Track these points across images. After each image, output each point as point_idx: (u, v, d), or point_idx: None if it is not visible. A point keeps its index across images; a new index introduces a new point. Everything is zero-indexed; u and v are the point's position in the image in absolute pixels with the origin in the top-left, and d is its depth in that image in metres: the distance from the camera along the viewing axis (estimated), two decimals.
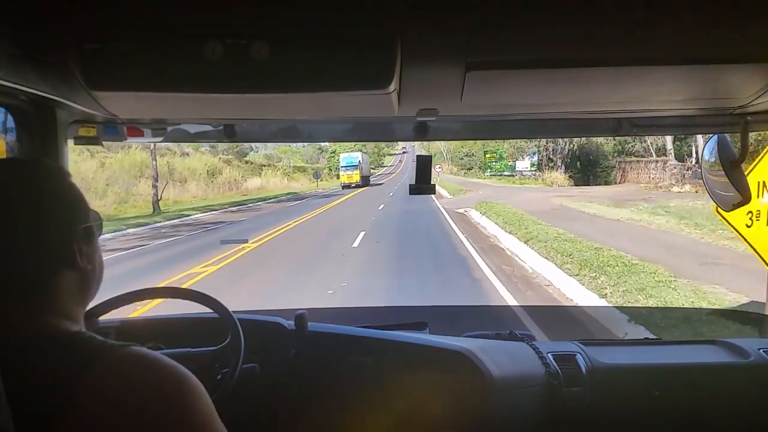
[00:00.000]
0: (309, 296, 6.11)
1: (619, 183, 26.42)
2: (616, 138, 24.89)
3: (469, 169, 49.18)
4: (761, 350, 1.40)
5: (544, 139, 26.99)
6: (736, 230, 2.45)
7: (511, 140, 30.10)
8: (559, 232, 9.61)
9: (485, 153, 39.06)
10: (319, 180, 42.49)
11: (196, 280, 7.14)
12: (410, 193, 1.27)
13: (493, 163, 38.33)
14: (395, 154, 77.34)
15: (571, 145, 30.73)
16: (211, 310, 1.20)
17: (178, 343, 1.19)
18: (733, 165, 1.12)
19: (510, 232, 10.27)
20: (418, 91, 0.95)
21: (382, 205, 18.83)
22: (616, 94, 1.04)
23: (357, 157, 34.18)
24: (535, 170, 34.53)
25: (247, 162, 42.97)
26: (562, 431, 1.35)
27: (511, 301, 5.74)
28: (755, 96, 1.01)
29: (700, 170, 1.71)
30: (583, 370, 1.36)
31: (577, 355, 1.40)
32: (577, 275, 6.63)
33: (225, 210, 21.37)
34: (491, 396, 1.27)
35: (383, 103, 0.91)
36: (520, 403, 1.33)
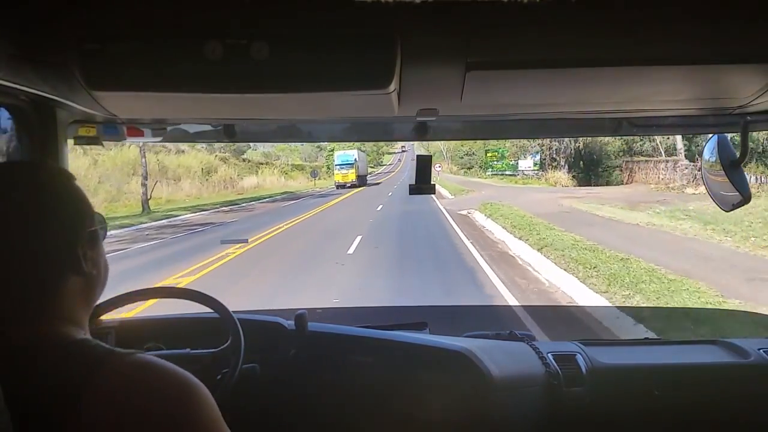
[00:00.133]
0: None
1: (627, 183, 25.82)
2: (623, 137, 24.83)
3: (469, 168, 49.31)
4: (761, 350, 1.40)
5: (547, 139, 26.83)
6: None
7: (512, 139, 29.96)
8: (576, 238, 8.76)
9: (486, 152, 38.87)
10: (316, 179, 41.12)
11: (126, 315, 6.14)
12: (410, 193, 1.26)
13: (495, 162, 38.16)
14: (394, 152, 77.52)
15: (577, 144, 30.11)
16: (211, 310, 1.20)
17: (177, 343, 1.20)
18: (733, 165, 1.12)
19: (520, 238, 9.40)
20: (418, 91, 0.95)
21: (380, 206, 18.21)
22: (616, 94, 1.04)
23: (353, 154, 32.20)
24: (537, 170, 34.24)
25: (244, 160, 42.07)
26: (562, 431, 1.35)
27: (532, 327, 4.82)
28: (755, 96, 1.00)
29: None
30: (583, 370, 1.36)
31: (577, 355, 1.40)
32: (606, 292, 5.76)
33: (216, 210, 20.52)
34: (491, 396, 1.27)
35: (383, 103, 0.91)
36: (520, 403, 1.33)
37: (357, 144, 33.12)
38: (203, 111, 1.07)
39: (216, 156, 36.21)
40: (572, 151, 31.05)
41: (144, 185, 20.95)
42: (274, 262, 8.72)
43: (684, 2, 0.68)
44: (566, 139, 28.87)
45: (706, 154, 1.20)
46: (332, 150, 43.52)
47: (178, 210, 20.54)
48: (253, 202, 23.91)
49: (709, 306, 4.86)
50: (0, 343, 0.56)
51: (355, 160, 32.11)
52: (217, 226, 14.80)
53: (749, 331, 2.70)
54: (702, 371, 1.38)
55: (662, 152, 24.48)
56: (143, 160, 21.74)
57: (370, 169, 44.54)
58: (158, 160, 27.65)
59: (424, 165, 1.22)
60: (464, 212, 15.12)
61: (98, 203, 18.82)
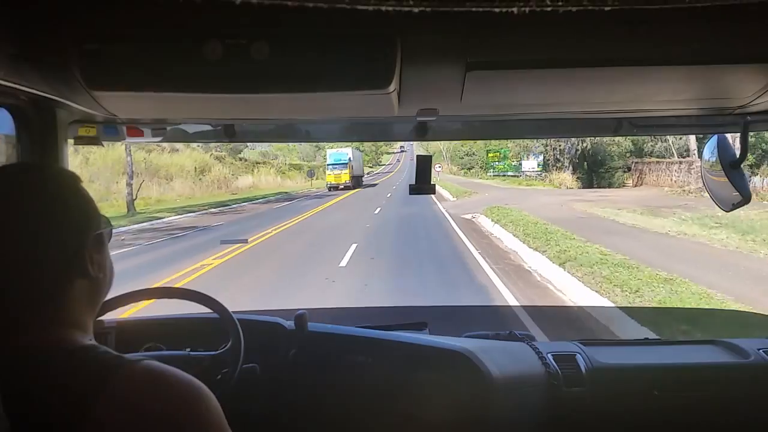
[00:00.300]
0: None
1: (636, 186, 24.77)
2: (634, 138, 24.08)
3: (469, 168, 48.56)
4: (761, 350, 1.40)
5: (547, 139, 26.16)
6: None
7: (513, 139, 29.29)
8: (603, 251, 7.60)
9: (488, 152, 38.05)
10: (313, 179, 39.64)
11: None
12: (410, 193, 1.26)
13: (496, 163, 37.34)
14: (393, 152, 76.72)
15: (583, 144, 29.09)
16: (211, 311, 1.20)
17: (177, 344, 1.22)
18: (733, 165, 1.12)
19: (536, 249, 8.23)
20: (418, 91, 0.95)
21: (378, 209, 17.30)
22: (616, 94, 1.05)
23: (347, 153, 29.83)
24: (540, 171, 33.29)
25: (241, 159, 40.91)
26: (562, 431, 1.35)
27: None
28: (755, 96, 1.00)
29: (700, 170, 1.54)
30: (583, 370, 1.36)
31: (577, 355, 1.41)
32: (656, 323, 4.60)
33: (205, 212, 19.22)
34: (491, 396, 1.27)
35: (383, 103, 0.92)
36: (520, 403, 1.33)
37: (355, 142, 31.82)
38: (203, 111, 1.08)
39: (211, 155, 35.02)
40: (577, 152, 30.05)
41: (129, 185, 19.74)
42: (252, 280, 7.17)
43: (684, 3, 0.62)
44: (571, 140, 28.03)
45: (706, 154, 1.20)
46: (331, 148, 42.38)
47: (164, 211, 19.27)
48: (244, 204, 22.58)
49: None
50: (8, 350, 0.56)
51: (350, 159, 29.87)
52: (199, 230, 13.51)
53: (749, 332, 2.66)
54: (702, 371, 1.39)
55: (674, 153, 23.52)
56: (129, 158, 20.49)
57: (367, 169, 43.32)
58: (146, 159, 26.20)
59: (424, 165, 1.24)
60: (468, 216, 14.24)
61: None
